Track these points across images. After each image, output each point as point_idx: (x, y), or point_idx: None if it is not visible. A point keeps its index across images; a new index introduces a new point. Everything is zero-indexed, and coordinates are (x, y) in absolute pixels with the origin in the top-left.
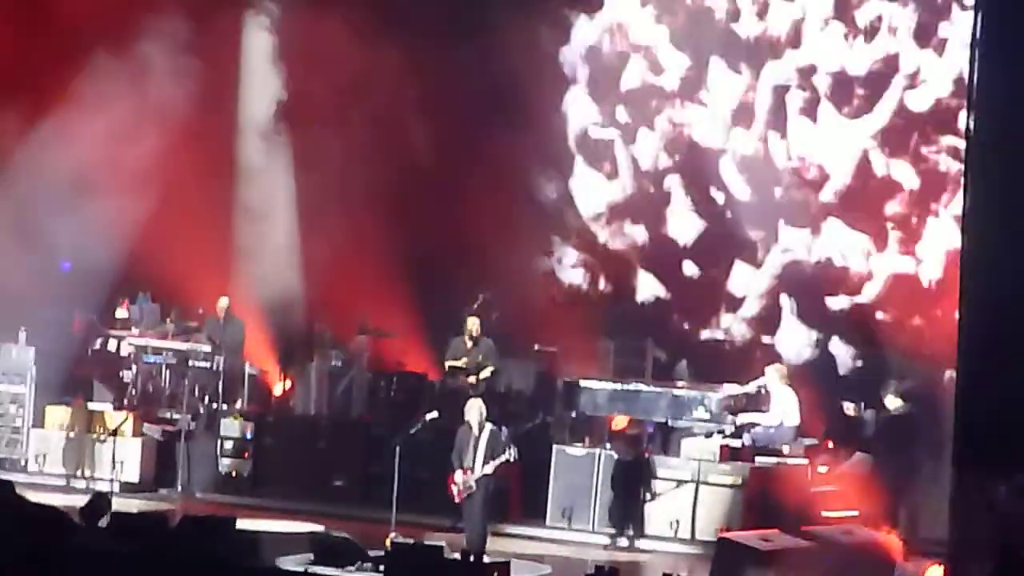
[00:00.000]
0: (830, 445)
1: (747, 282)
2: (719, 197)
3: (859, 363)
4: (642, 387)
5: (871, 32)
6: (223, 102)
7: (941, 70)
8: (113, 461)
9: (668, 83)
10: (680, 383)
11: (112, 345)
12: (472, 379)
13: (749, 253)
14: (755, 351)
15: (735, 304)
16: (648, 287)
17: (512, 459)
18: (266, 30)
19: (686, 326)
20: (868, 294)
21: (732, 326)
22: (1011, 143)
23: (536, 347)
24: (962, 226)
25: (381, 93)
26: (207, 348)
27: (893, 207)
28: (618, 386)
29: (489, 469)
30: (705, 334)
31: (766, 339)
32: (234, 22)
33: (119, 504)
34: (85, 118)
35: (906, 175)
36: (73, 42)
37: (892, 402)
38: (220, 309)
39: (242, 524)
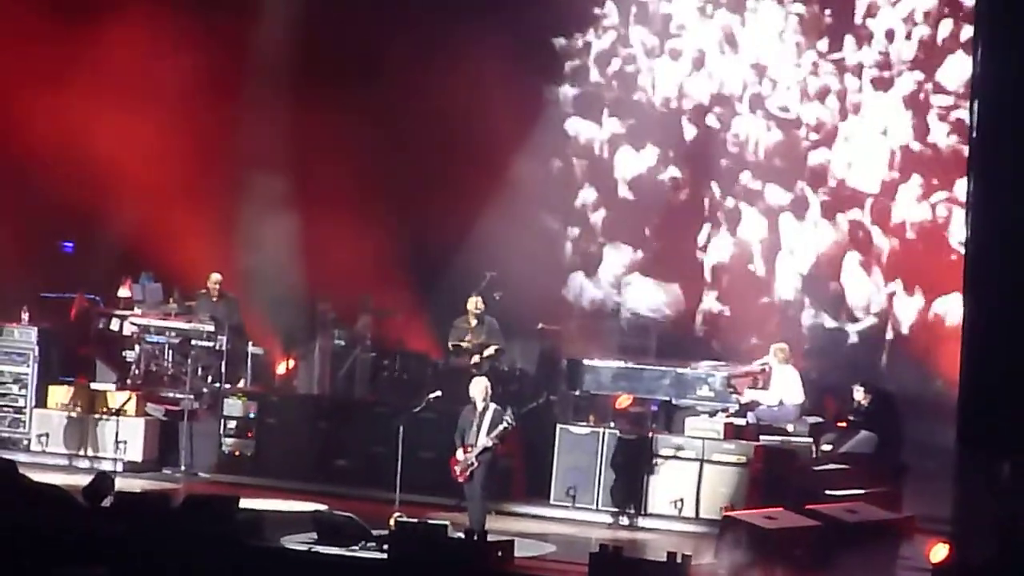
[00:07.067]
0: (835, 424)
1: (759, 263)
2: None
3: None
4: (646, 366)
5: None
6: (226, 79)
7: None
8: (116, 441)
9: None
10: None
11: (115, 325)
12: (476, 358)
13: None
14: (762, 331)
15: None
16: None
17: (510, 426)
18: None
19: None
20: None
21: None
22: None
23: (540, 326)
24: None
25: (387, 74)
26: (210, 328)
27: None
28: (622, 364)
29: (489, 442)
30: (713, 313)
31: (773, 319)
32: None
33: (122, 484)
34: (89, 95)
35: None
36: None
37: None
38: (212, 285)
39: (245, 504)
